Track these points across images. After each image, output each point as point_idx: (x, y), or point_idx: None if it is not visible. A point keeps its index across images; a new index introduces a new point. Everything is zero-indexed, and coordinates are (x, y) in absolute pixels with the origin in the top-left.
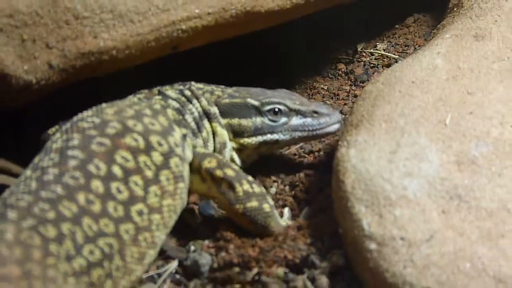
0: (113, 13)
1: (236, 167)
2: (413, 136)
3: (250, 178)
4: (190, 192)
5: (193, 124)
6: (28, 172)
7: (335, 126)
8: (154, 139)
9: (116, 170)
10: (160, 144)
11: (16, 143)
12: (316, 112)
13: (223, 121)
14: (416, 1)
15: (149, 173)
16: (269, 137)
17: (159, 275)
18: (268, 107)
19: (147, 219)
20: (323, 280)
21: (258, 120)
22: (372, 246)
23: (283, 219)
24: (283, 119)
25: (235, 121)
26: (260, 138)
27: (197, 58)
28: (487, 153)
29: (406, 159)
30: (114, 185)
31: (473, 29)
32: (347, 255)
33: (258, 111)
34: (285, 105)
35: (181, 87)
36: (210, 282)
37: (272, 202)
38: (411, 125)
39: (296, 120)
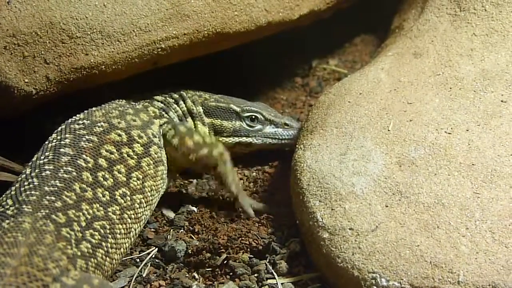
0: (102, 34)
1: (189, 126)
2: (360, 140)
3: (200, 131)
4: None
5: (176, 120)
6: (28, 170)
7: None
8: (135, 133)
9: (102, 161)
10: (140, 137)
11: (17, 145)
12: (287, 125)
13: (207, 120)
14: (363, 23)
15: (131, 162)
16: (244, 139)
17: (141, 259)
18: (247, 114)
19: (129, 199)
20: (283, 265)
21: (237, 123)
22: (325, 235)
23: None
24: (258, 126)
25: (218, 121)
26: (236, 139)
27: (175, 72)
28: (424, 155)
29: (354, 160)
30: (100, 174)
31: (412, 47)
32: (303, 243)
33: (238, 116)
34: (261, 114)
35: (172, 93)
36: (185, 266)
37: (221, 149)
38: (358, 131)
39: (269, 129)
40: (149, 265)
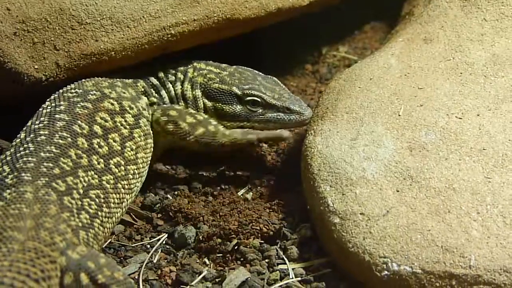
0: (112, 20)
1: (179, 107)
2: (371, 125)
3: (192, 110)
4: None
5: (166, 100)
6: (22, 134)
7: (304, 121)
8: (126, 103)
9: (96, 128)
10: (131, 108)
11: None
12: (288, 109)
13: (209, 103)
14: (373, 10)
15: (125, 131)
16: (246, 124)
17: (152, 245)
18: (248, 98)
19: (123, 169)
20: (294, 250)
21: (238, 107)
22: (336, 220)
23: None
24: (260, 110)
25: (219, 105)
26: (238, 123)
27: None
28: (435, 140)
29: (365, 145)
30: (95, 141)
31: (423, 33)
32: (314, 228)
33: (240, 100)
34: (263, 98)
35: (182, 67)
36: (196, 252)
37: (215, 122)
38: (369, 116)
39: (270, 113)
40: (160, 251)
